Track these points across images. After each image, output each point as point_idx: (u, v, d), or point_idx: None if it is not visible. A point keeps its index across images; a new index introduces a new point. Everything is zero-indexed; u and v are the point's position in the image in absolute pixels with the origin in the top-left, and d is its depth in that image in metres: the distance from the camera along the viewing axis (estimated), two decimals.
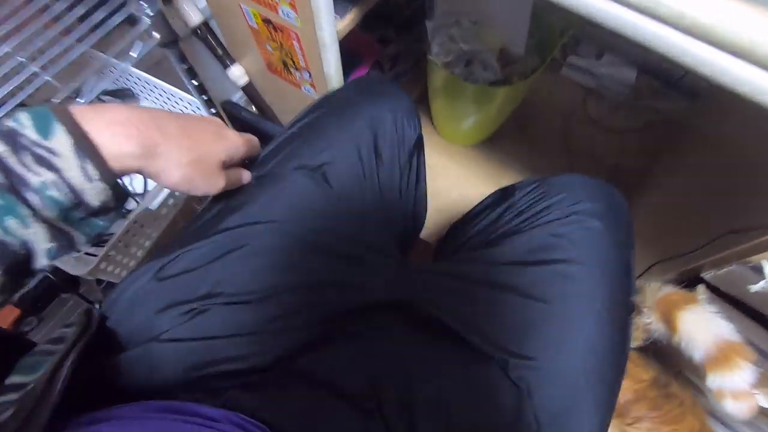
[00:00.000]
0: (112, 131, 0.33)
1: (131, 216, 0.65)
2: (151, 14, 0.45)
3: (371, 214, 0.51)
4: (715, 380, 0.51)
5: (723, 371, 0.50)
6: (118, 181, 0.36)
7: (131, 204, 0.78)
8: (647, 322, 0.55)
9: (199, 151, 0.39)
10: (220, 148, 0.42)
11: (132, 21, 0.46)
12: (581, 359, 0.41)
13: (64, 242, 0.33)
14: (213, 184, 0.42)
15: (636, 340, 0.57)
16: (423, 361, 0.42)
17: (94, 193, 0.32)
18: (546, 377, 0.40)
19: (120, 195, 0.35)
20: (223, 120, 0.73)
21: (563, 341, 0.41)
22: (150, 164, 0.36)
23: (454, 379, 0.41)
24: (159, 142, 0.36)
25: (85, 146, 0.31)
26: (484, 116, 1.06)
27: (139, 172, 0.36)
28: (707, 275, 0.62)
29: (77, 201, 0.32)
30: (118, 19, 0.44)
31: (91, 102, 0.77)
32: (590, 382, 0.40)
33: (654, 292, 0.56)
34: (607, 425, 0.42)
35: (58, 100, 0.42)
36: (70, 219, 0.33)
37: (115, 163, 0.33)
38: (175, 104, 0.80)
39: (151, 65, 0.84)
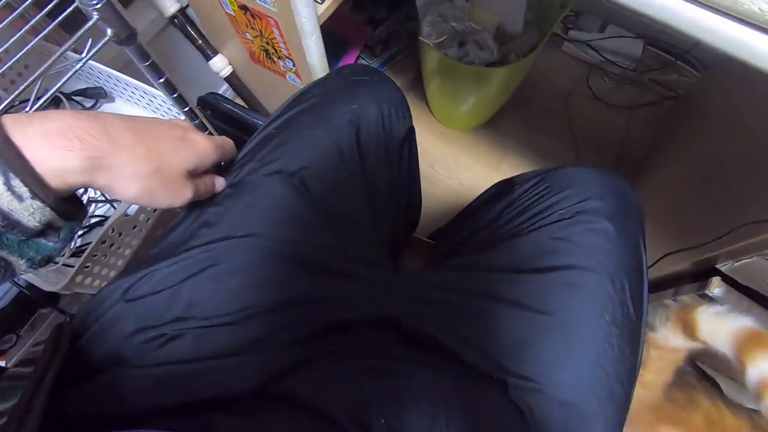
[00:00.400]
0: (51, 143, 0.29)
1: (107, 223, 0.62)
2: (98, 6, 0.40)
3: (357, 219, 0.47)
4: (754, 370, 0.42)
5: (762, 355, 0.42)
6: (75, 195, 0.32)
7: (109, 210, 0.74)
8: (665, 336, 0.51)
9: (159, 160, 0.35)
10: (184, 156, 0.38)
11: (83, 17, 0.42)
12: (589, 378, 0.37)
13: None
14: (178, 195, 0.38)
15: (666, 365, 0.51)
16: (415, 382, 0.38)
17: (28, 213, 0.28)
18: (550, 400, 0.37)
19: (70, 212, 0.31)
20: (197, 118, 0.68)
21: (568, 358, 0.38)
22: (98, 178, 0.32)
23: (449, 402, 0.37)
24: (107, 152, 0.32)
25: (10, 160, 0.27)
26: (482, 99, 1.01)
27: (87, 186, 0.32)
28: (723, 267, 0.58)
29: (6, 223, 0.28)
30: (63, 13, 0.40)
31: (56, 105, 0.72)
32: (600, 402, 0.37)
33: (665, 309, 0.52)
34: None
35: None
36: (5, 243, 0.29)
37: (54, 179, 0.29)
38: (149, 102, 0.76)
39: (127, 63, 0.79)
